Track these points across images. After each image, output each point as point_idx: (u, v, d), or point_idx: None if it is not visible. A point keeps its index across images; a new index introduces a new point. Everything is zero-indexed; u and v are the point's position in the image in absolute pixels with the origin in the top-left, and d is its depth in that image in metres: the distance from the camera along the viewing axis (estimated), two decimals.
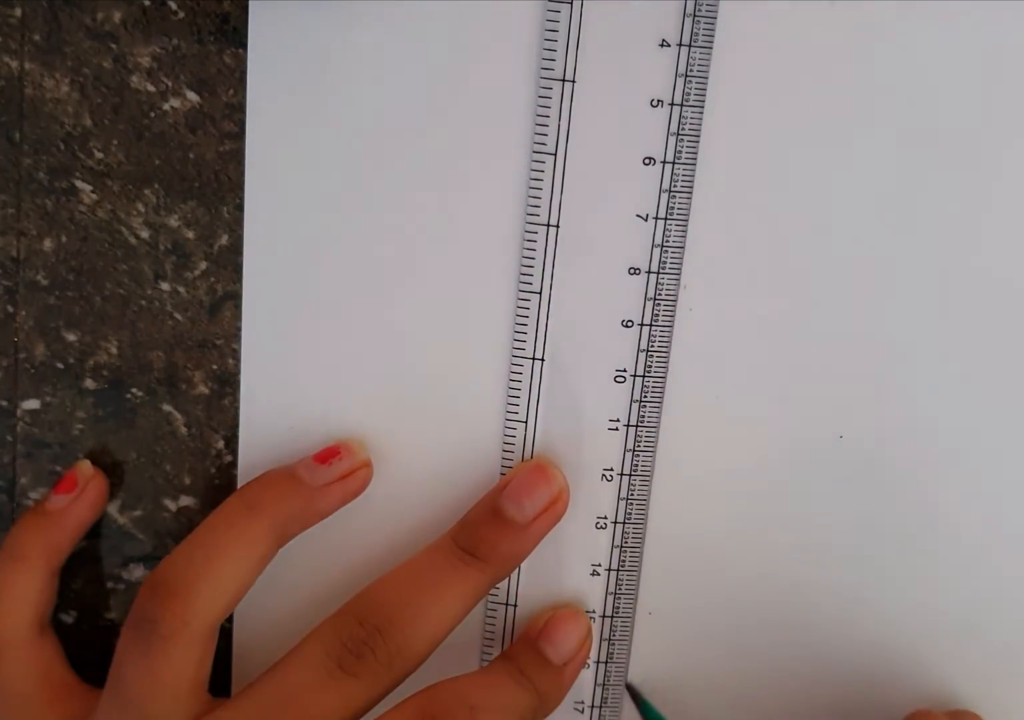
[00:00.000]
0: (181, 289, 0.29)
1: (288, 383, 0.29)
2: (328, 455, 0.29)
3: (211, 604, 0.27)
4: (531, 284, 0.28)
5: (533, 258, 0.28)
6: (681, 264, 0.28)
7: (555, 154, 0.27)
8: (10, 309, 0.29)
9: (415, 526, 0.30)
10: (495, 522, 0.28)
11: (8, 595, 0.29)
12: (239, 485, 0.30)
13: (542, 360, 0.28)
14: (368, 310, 0.29)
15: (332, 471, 0.28)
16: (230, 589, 0.27)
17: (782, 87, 0.27)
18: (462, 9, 0.26)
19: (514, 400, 0.29)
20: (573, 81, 0.26)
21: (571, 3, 0.26)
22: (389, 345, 0.29)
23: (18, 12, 0.27)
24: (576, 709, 0.31)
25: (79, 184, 0.28)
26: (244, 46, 0.27)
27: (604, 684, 0.31)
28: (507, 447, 0.29)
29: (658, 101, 0.26)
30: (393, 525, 0.30)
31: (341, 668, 0.26)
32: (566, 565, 0.30)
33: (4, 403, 0.30)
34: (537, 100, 0.27)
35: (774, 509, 0.30)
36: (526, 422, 0.29)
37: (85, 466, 0.30)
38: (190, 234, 0.29)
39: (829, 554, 0.30)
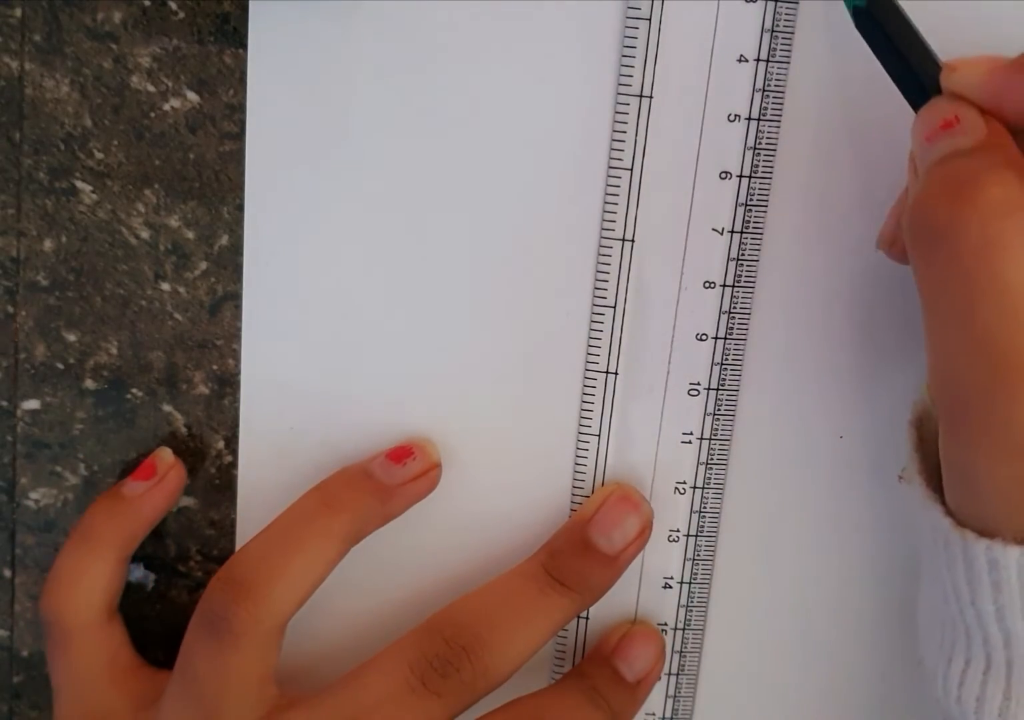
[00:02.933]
0: (181, 289, 0.29)
1: (288, 383, 0.29)
2: (402, 454, 0.28)
3: (284, 602, 0.27)
4: (606, 298, 0.28)
5: (608, 272, 0.28)
6: (756, 277, 0.28)
7: (631, 169, 0.27)
8: (10, 309, 0.29)
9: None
10: (585, 553, 0.28)
11: (79, 580, 0.29)
12: (239, 485, 0.30)
13: (615, 374, 0.28)
14: (368, 310, 0.28)
15: (407, 471, 0.28)
16: (303, 587, 0.27)
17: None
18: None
19: (587, 414, 0.29)
20: (650, 96, 0.26)
21: (649, 19, 0.26)
22: (388, 345, 0.29)
23: (18, 12, 0.27)
24: None
25: (79, 184, 0.28)
26: (244, 46, 0.27)
27: (675, 696, 0.31)
28: (580, 460, 0.29)
29: (735, 116, 0.26)
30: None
31: (424, 685, 0.26)
32: (639, 578, 0.30)
33: (4, 403, 0.30)
34: (614, 116, 0.27)
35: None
36: (599, 435, 0.29)
37: (166, 453, 0.30)
38: (190, 234, 0.29)
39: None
